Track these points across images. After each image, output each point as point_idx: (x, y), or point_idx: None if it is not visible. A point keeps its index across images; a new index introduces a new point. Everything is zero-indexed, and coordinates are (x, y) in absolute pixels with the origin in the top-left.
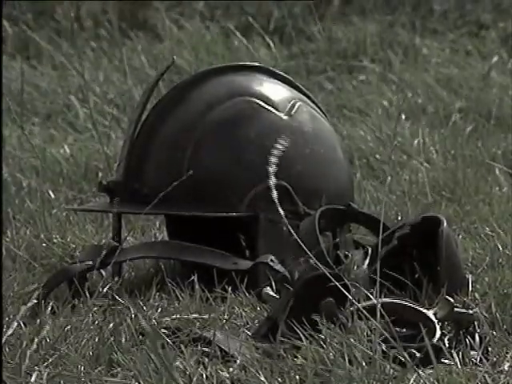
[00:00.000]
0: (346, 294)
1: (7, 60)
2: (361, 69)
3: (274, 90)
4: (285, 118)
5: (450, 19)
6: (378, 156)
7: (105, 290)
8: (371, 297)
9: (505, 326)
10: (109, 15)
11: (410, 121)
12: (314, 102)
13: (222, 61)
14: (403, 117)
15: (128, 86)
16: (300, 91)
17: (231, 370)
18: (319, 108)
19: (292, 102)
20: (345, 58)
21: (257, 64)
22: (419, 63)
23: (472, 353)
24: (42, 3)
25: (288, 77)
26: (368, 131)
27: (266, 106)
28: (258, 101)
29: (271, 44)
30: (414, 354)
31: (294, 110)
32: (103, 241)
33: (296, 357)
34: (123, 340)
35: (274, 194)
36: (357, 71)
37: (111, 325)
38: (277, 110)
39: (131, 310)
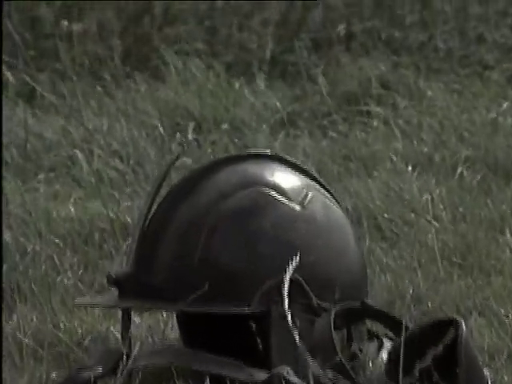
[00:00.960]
0: None
1: (9, 106)
2: (366, 112)
3: (287, 179)
4: (298, 208)
5: (455, 58)
6: (386, 215)
7: None
8: None
9: None
10: (112, 54)
11: (417, 172)
12: (326, 188)
13: (226, 103)
14: (410, 168)
15: (132, 135)
16: (313, 178)
17: None
18: (332, 195)
19: (305, 192)
20: (349, 102)
21: (269, 152)
22: (424, 106)
23: None
24: (44, 41)
25: (300, 164)
26: (375, 188)
27: (279, 197)
28: (270, 191)
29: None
30: None
31: (307, 200)
32: (111, 328)
33: None
34: None
35: (286, 289)
36: (362, 115)
37: None
38: (290, 200)
39: None
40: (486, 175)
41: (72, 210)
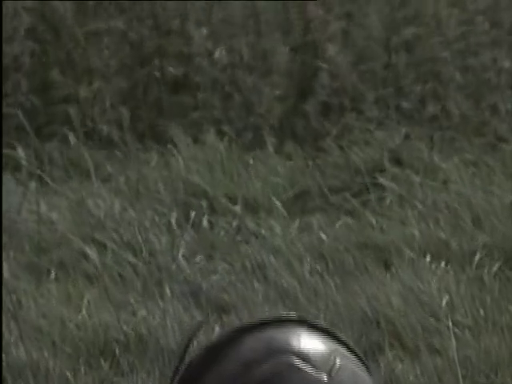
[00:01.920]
0: None
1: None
2: (380, 188)
3: (314, 346)
4: (325, 378)
5: (468, 128)
6: (405, 321)
7: None
8: None
9: None
10: (122, 122)
11: (435, 264)
12: (355, 353)
13: (237, 179)
14: (428, 259)
15: (144, 222)
16: (341, 342)
17: None
18: (361, 360)
19: (332, 359)
20: (362, 176)
21: (295, 317)
22: (439, 182)
23: None
24: (55, 107)
25: (327, 328)
26: (393, 289)
27: (305, 366)
28: (296, 360)
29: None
30: None
31: (335, 369)
32: None
33: None
34: None
35: None
36: (375, 190)
37: None
38: (317, 369)
39: None
40: (505, 263)
41: (85, 314)
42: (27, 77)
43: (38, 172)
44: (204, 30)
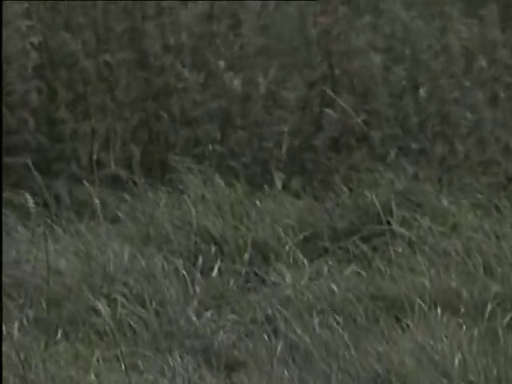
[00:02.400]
0: None
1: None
2: (388, 232)
3: None
4: None
5: (477, 168)
6: (416, 381)
7: None
8: None
9: None
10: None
11: (446, 316)
12: None
13: (246, 221)
14: (439, 311)
15: (153, 270)
16: None
17: None
18: None
19: None
20: (372, 219)
21: None
22: (449, 226)
23: None
24: (62, 144)
25: None
26: (404, 347)
27: None
28: None
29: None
30: None
31: None
32: None
33: None
34: None
35: None
36: (384, 235)
37: None
38: None
39: None
40: None
41: (94, 377)
42: (34, 114)
43: (46, 214)
44: (221, 63)
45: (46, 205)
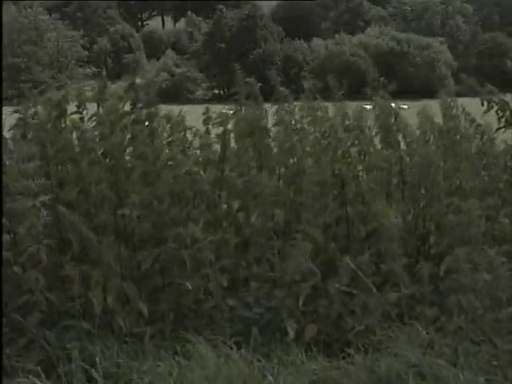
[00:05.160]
0: None
1: None
2: None
3: None
4: None
5: (494, 335)
6: None
7: None
8: None
9: None
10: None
11: None
12: None
13: None
14: None
15: None
16: None
17: None
18: None
19: None
20: None
21: None
22: None
23: None
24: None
25: None
26: None
27: None
28: None
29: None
30: None
31: None
32: None
33: None
34: None
35: None
36: None
37: None
38: None
39: None
40: None
41: None
42: (44, 273)
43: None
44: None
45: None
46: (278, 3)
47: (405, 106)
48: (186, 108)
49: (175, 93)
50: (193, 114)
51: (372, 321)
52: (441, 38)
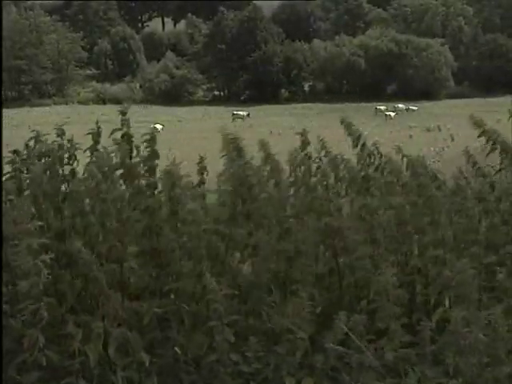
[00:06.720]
0: None
1: None
2: None
3: None
4: None
5: None
6: None
7: None
8: None
9: None
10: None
11: None
12: None
13: None
14: None
15: None
16: None
17: None
18: None
19: None
20: None
21: None
22: None
23: None
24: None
25: None
26: None
27: None
28: None
29: None
30: None
31: None
32: None
33: None
34: None
35: None
36: None
37: None
38: None
39: None
40: None
41: None
42: (44, 331)
43: None
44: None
45: None
46: (279, 5)
47: (414, 108)
48: (185, 109)
49: (175, 94)
50: (193, 114)
51: (367, 380)
52: (441, 40)
